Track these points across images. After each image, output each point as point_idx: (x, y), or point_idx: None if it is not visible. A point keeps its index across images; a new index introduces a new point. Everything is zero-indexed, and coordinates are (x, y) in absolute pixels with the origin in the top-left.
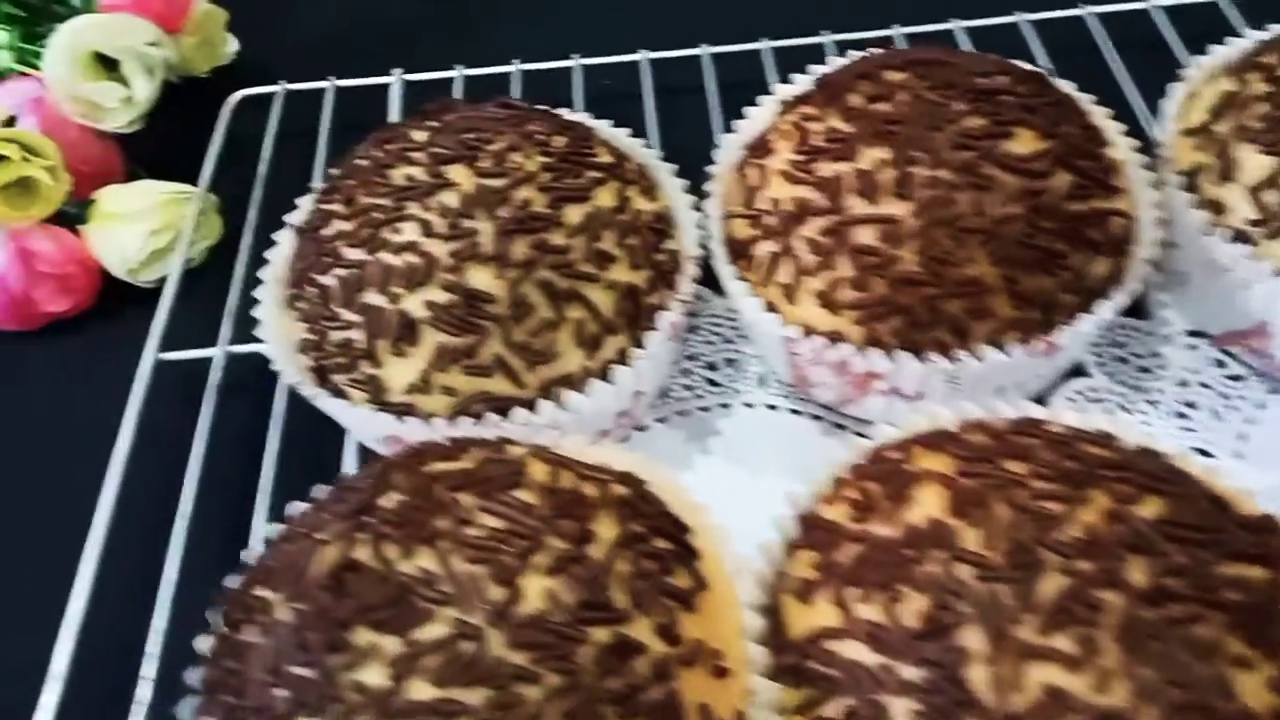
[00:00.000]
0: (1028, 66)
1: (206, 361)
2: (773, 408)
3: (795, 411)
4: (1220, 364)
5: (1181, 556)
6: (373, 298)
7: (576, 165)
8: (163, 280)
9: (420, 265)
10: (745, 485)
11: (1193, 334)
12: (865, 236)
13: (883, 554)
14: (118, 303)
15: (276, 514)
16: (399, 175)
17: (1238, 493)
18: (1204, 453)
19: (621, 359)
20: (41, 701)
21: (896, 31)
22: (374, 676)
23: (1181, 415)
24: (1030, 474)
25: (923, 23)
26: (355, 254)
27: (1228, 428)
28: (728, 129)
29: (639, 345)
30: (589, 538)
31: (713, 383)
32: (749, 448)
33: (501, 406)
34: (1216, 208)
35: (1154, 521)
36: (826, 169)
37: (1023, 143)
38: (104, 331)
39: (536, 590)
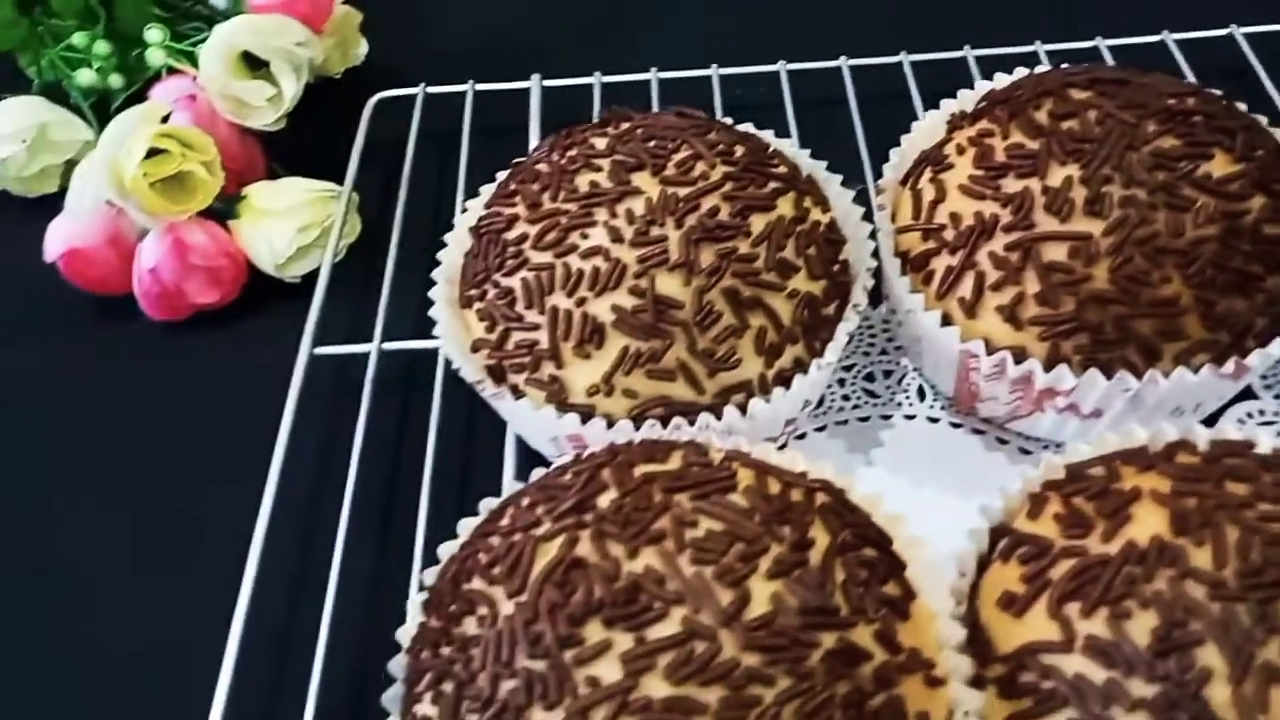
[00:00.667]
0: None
1: (359, 357)
2: (934, 420)
3: (956, 425)
4: None
5: None
6: (560, 300)
7: (758, 175)
8: (306, 276)
9: (608, 270)
10: (909, 497)
11: None
12: (1056, 253)
13: (1103, 570)
14: (263, 297)
15: (437, 511)
16: (584, 181)
17: None
18: None
19: (797, 368)
20: (215, 698)
21: (1040, 48)
22: (609, 671)
23: None
24: (1252, 495)
25: (1067, 40)
26: (541, 257)
27: None
28: (869, 142)
29: (815, 354)
30: (807, 544)
31: (870, 394)
32: (911, 459)
33: (680, 411)
34: None
35: None
36: (1013, 185)
37: (1219, 165)
38: (251, 325)
39: (763, 594)
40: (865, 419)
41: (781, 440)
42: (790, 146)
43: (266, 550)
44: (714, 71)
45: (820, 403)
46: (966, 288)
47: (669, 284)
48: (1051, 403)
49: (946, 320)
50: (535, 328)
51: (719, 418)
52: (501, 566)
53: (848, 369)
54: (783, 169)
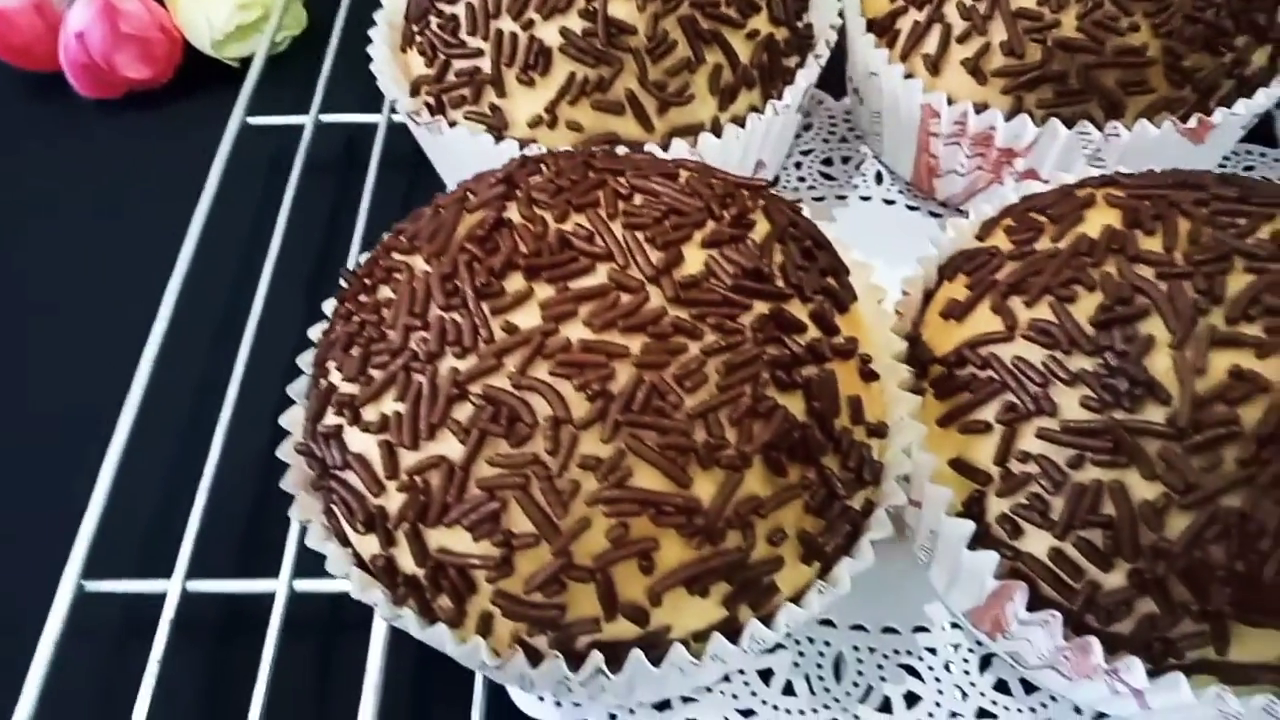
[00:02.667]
0: None
1: (295, 130)
2: (890, 202)
3: (913, 208)
4: None
5: None
6: (505, 24)
7: None
8: (246, 59)
9: None
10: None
11: None
12: (1025, 0)
13: (1051, 262)
14: (200, 78)
15: None
16: None
17: None
18: None
19: (752, 115)
20: (113, 441)
21: None
22: (527, 319)
23: None
24: (1206, 197)
25: None
26: None
27: None
28: None
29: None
30: (748, 224)
31: (827, 176)
32: (864, 234)
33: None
34: None
35: None
36: None
37: None
38: (187, 105)
39: (697, 257)
40: (820, 199)
41: None
42: None
43: (183, 304)
44: None
45: (775, 182)
46: (932, 43)
47: (622, 8)
48: (1010, 167)
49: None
50: (477, 54)
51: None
52: (423, 238)
53: (806, 153)
54: None
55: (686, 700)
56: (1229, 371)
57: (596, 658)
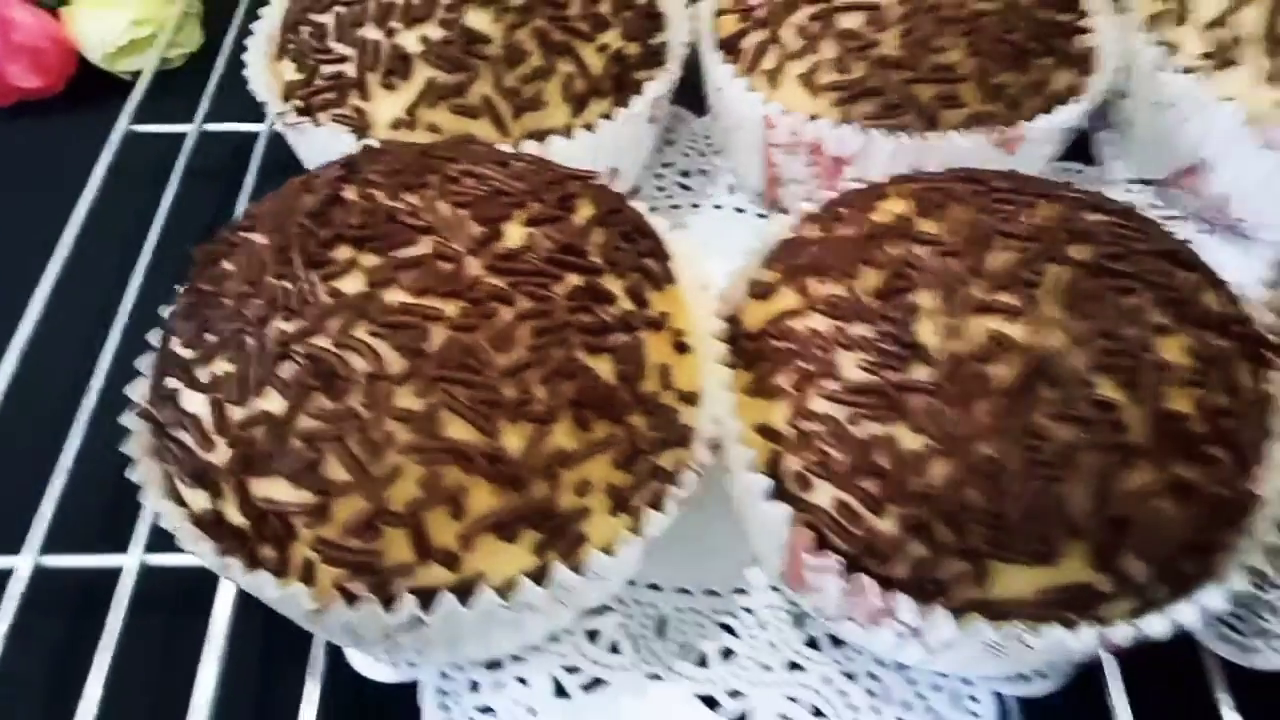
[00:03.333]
0: None
1: (181, 139)
2: (741, 210)
3: (762, 215)
4: (1156, 207)
5: (1121, 246)
6: (369, 32)
7: None
8: (138, 73)
9: (419, 3)
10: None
11: (1134, 182)
12: (850, 21)
13: (845, 245)
14: (91, 90)
15: None
16: None
17: None
18: None
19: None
20: None
21: None
22: (352, 285)
23: None
24: (988, 190)
25: None
26: None
27: None
28: None
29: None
30: (571, 208)
31: (685, 188)
32: (716, 239)
33: None
34: (1171, 49)
35: (1100, 221)
36: None
37: None
38: (76, 113)
39: (517, 233)
40: (676, 206)
41: None
42: None
43: (56, 300)
44: None
45: (635, 193)
46: (771, 60)
47: (479, 19)
48: (843, 176)
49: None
50: (343, 59)
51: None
52: (263, 214)
53: (666, 166)
54: None
55: (516, 659)
56: (986, 335)
57: (410, 600)
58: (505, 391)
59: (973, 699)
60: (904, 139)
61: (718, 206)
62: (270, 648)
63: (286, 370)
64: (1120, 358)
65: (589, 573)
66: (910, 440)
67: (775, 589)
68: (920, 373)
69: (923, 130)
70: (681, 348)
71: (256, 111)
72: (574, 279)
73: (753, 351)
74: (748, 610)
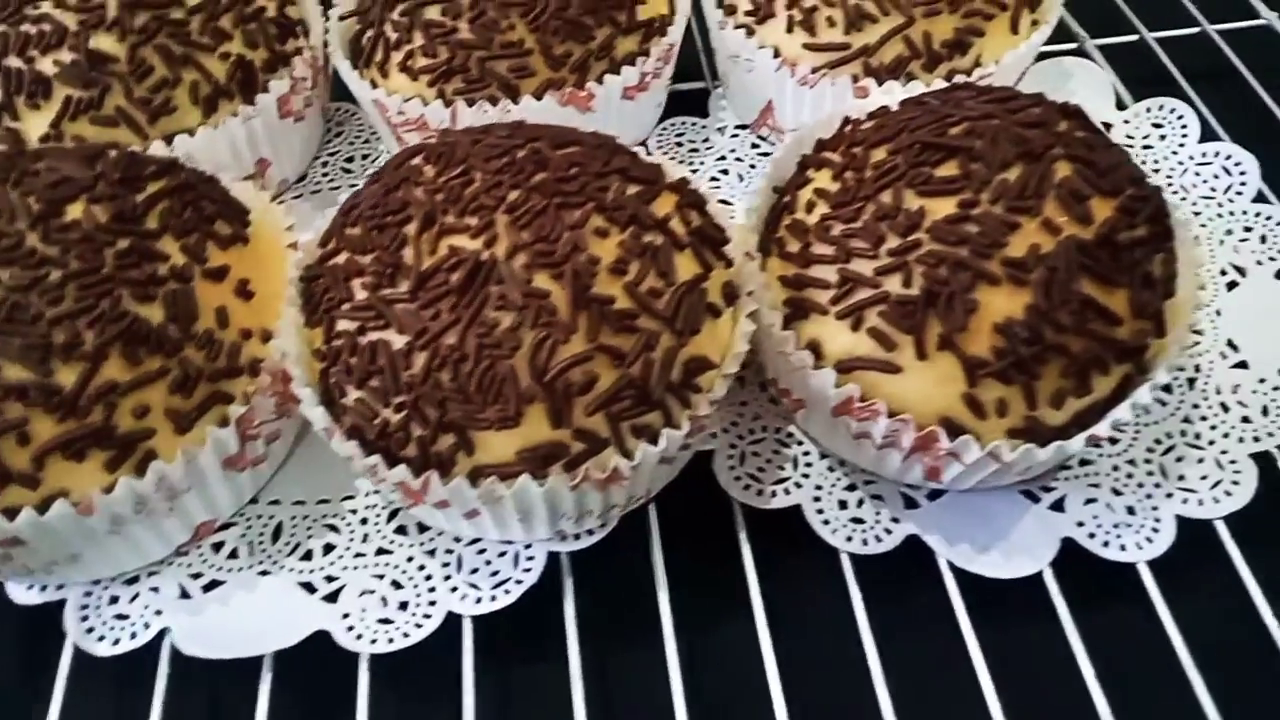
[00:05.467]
0: None
1: None
2: None
3: None
4: (756, 146)
5: (575, 169)
6: (12, 61)
7: None
8: None
9: (51, 31)
10: None
11: (739, 127)
12: (432, 14)
13: (372, 193)
14: None
15: None
16: None
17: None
18: (725, 201)
19: (239, 117)
20: None
21: None
22: None
23: (714, 179)
24: (488, 136)
25: None
26: None
27: (746, 187)
28: None
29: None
30: (137, 188)
31: (347, 171)
32: None
33: None
34: (730, 9)
35: (567, 153)
36: None
37: None
38: None
39: (77, 210)
40: (336, 188)
41: None
42: None
43: None
44: None
45: (303, 178)
46: (380, 53)
47: (105, 41)
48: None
49: (375, 85)
50: None
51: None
52: None
53: (333, 155)
54: None
55: (152, 574)
56: (447, 249)
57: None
58: (57, 337)
59: (530, 559)
60: (487, 108)
61: None
62: None
63: None
64: (552, 257)
65: (149, 482)
66: (398, 341)
67: (377, 491)
68: (402, 286)
69: (510, 99)
70: (246, 294)
71: None
72: (124, 241)
73: (309, 291)
74: (352, 511)
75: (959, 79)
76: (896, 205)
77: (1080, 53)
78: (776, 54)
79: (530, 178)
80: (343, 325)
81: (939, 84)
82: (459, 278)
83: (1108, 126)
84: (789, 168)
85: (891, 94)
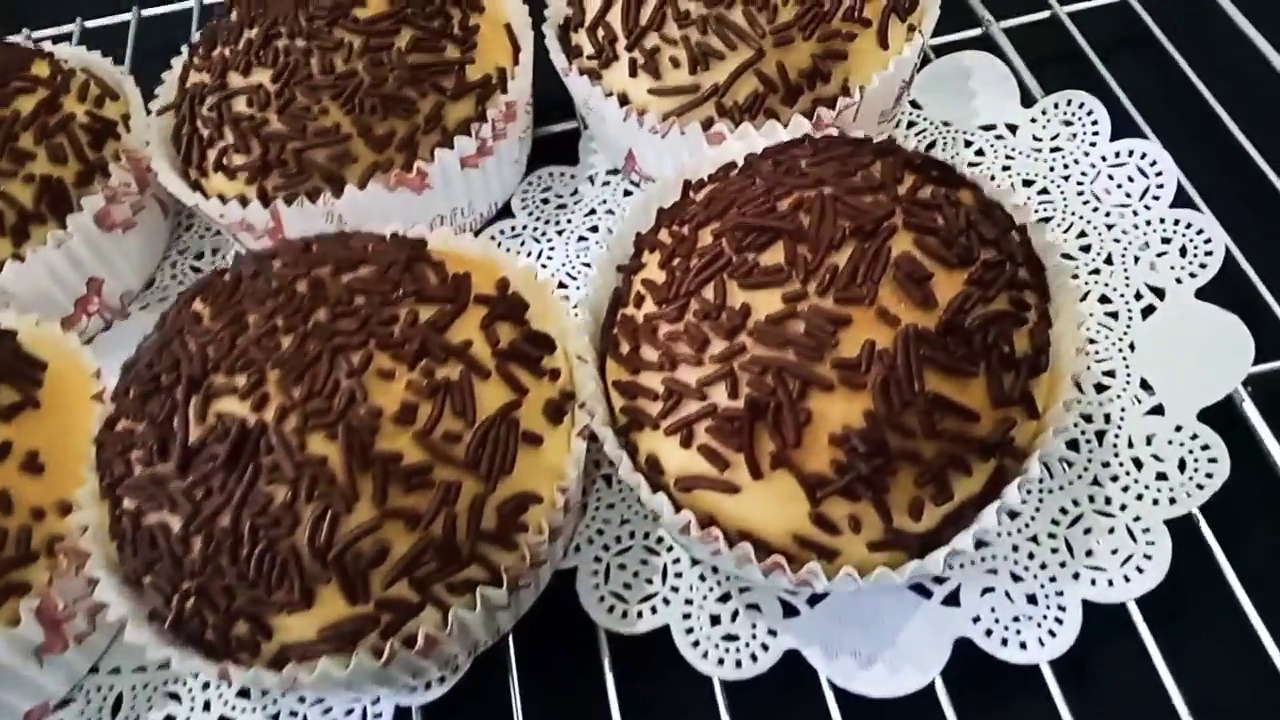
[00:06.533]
0: None
1: None
2: None
3: None
4: (629, 193)
5: (359, 299)
6: None
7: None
8: None
9: None
10: None
11: (610, 173)
12: (240, 106)
13: (145, 360)
14: None
15: None
16: None
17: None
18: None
19: (51, 242)
20: None
21: None
22: None
23: (582, 239)
24: (266, 275)
25: None
26: None
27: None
28: None
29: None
30: None
31: (196, 269)
32: None
33: None
34: (577, 51)
35: (344, 283)
36: (219, 53)
37: (371, 7)
38: None
39: None
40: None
41: (102, 323)
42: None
43: None
44: None
45: (151, 284)
46: (197, 153)
47: None
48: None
49: (199, 188)
50: None
51: None
52: None
53: (182, 252)
54: (42, 73)
55: None
56: (215, 416)
57: None
58: None
59: (377, 716)
60: (307, 204)
61: None
62: None
63: None
64: (327, 416)
65: None
66: (175, 524)
67: None
68: (172, 462)
69: (333, 191)
70: (35, 468)
71: None
72: None
73: (101, 458)
74: (195, 675)
75: (821, 112)
76: (720, 303)
77: (985, 39)
78: (624, 101)
79: (307, 318)
80: (126, 503)
81: (799, 120)
82: (225, 450)
83: (1013, 129)
84: (628, 245)
85: (747, 138)
